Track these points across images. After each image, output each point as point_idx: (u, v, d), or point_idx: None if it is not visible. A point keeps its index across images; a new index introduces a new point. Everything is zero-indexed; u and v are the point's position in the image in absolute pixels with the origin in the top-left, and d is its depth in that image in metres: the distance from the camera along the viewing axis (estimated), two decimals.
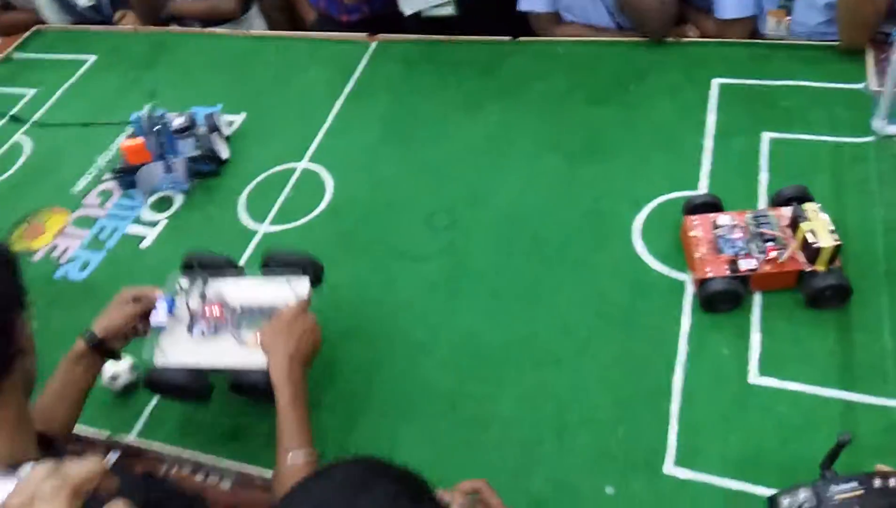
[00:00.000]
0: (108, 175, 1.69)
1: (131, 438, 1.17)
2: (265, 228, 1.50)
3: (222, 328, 1.12)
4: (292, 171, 1.62)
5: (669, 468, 1.00)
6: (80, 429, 1.18)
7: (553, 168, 1.48)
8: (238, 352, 1.09)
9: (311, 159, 1.64)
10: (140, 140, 1.58)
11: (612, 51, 1.74)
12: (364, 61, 1.92)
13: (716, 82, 1.58)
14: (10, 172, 1.81)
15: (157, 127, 1.57)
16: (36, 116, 1.98)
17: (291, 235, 1.47)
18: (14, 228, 1.64)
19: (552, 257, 1.31)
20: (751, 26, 1.67)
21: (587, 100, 1.63)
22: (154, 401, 1.21)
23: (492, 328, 1.22)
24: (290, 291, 1.12)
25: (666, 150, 1.46)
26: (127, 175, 1.63)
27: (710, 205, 1.26)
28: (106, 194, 1.67)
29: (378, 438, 1.11)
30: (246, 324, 1.11)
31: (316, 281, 1.17)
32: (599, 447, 1.03)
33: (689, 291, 1.20)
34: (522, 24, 1.96)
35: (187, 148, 1.63)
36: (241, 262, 1.42)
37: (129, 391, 1.22)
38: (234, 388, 1.10)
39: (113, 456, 1.15)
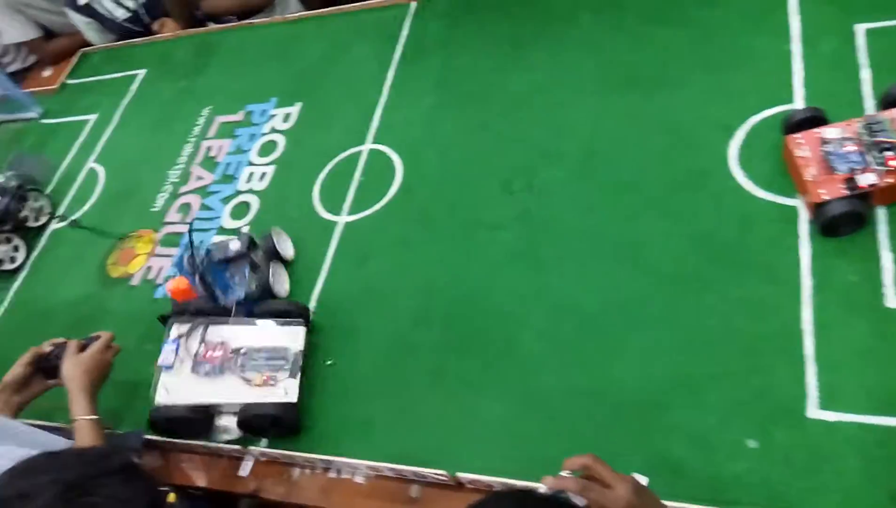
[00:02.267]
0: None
1: (262, 447, 1.20)
2: (344, 218, 1.49)
3: (227, 369, 1.20)
4: (358, 155, 1.59)
5: (813, 412, 0.94)
6: (212, 445, 1.23)
7: (624, 105, 1.39)
8: (244, 390, 1.18)
9: (375, 140, 1.60)
10: (185, 280, 1.31)
11: None
12: (407, 25, 1.84)
13: None
14: (92, 200, 1.85)
15: (200, 270, 1.31)
16: (103, 140, 2.02)
17: (371, 222, 1.45)
18: (107, 256, 1.69)
19: (641, 204, 1.23)
20: None
21: (645, 23, 1.51)
22: None
23: (586, 291, 1.17)
24: (288, 334, 1.23)
25: (747, 64, 1.34)
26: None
27: (813, 119, 1.16)
28: (185, 208, 1.69)
29: (487, 416, 1.10)
30: (251, 366, 1.20)
31: (307, 324, 1.27)
32: (733, 399, 0.98)
33: (804, 217, 1.12)
34: None
35: (240, 284, 1.33)
36: (329, 255, 1.42)
37: (238, 443, 1.25)
38: (242, 424, 1.19)
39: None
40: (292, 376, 1.18)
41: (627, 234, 1.21)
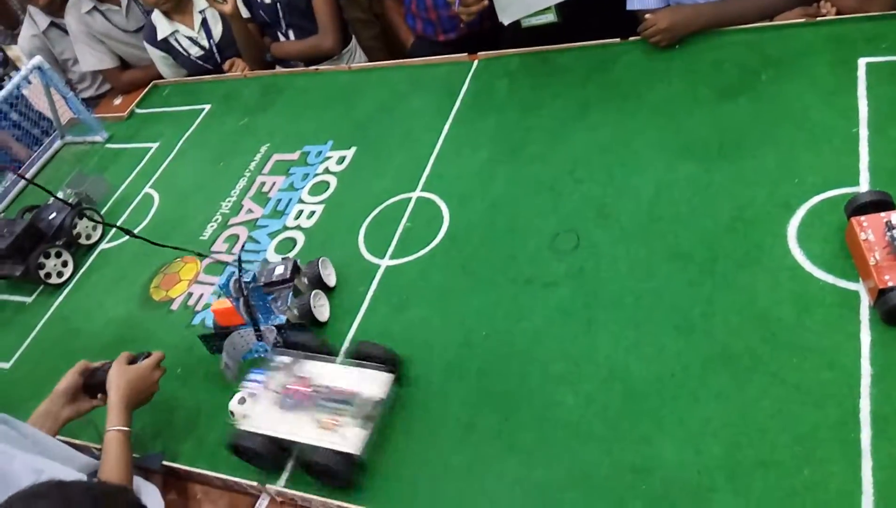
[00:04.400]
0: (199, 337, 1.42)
1: (279, 486, 1.17)
2: (386, 262, 1.48)
3: (304, 405, 1.16)
4: (407, 201, 1.60)
5: None
6: (230, 479, 1.20)
7: (685, 175, 1.37)
8: (312, 431, 1.13)
9: (424, 188, 1.61)
10: (228, 302, 1.31)
11: (735, 39, 1.61)
12: (467, 81, 1.88)
13: (863, 62, 1.42)
14: (144, 223, 1.89)
15: (245, 293, 1.32)
16: (161, 168, 2.08)
17: (413, 267, 1.44)
18: (151, 278, 1.71)
19: (698, 275, 1.20)
20: None
21: (714, 95, 1.51)
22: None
23: (638, 359, 1.12)
24: (374, 381, 1.16)
25: (813, 143, 1.32)
26: (214, 340, 1.38)
27: (879, 203, 1.12)
28: (232, 239, 1.72)
29: (525, 486, 1.04)
30: (327, 407, 1.15)
31: (398, 376, 1.20)
32: (782, 489, 0.92)
33: (865, 302, 1.06)
34: (628, 25, 1.86)
35: (281, 309, 1.35)
36: (368, 296, 1.42)
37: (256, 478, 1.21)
38: (302, 465, 1.14)
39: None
40: (361, 426, 1.11)
41: (683, 303, 1.17)
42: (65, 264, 1.84)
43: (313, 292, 1.38)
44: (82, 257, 1.87)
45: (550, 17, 1.76)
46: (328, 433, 1.11)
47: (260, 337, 1.31)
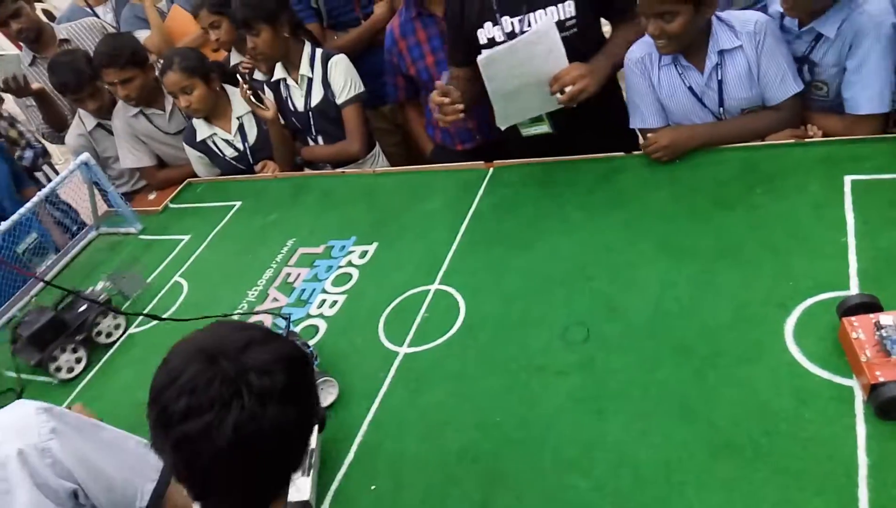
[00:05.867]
0: None
1: None
2: (405, 349, 1.56)
3: None
4: (426, 293, 1.70)
5: None
6: None
7: (687, 275, 1.47)
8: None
9: (442, 281, 1.71)
10: None
11: (731, 156, 1.76)
12: (483, 186, 2.03)
13: (848, 179, 1.55)
14: (173, 309, 1.99)
15: None
16: (191, 259, 2.20)
17: (430, 355, 1.52)
18: None
19: (701, 368, 1.27)
20: (881, 122, 1.64)
21: (713, 205, 1.63)
22: None
23: (647, 447, 1.18)
24: None
25: (806, 250, 1.43)
26: None
27: (868, 305, 1.21)
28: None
29: None
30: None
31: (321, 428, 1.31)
32: None
33: (860, 397, 1.13)
34: (621, 137, 2.03)
35: None
36: (387, 382, 1.48)
37: None
38: None
39: None
40: (305, 473, 1.17)
41: (688, 395, 1.23)
42: (78, 360, 1.88)
43: (323, 379, 1.45)
44: (98, 354, 1.91)
45: (545, 128, 1.94)
46: None
47: None
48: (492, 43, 1.91)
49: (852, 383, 1.16)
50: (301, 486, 1.17)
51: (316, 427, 1.24)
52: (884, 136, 1.64)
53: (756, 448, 1.12)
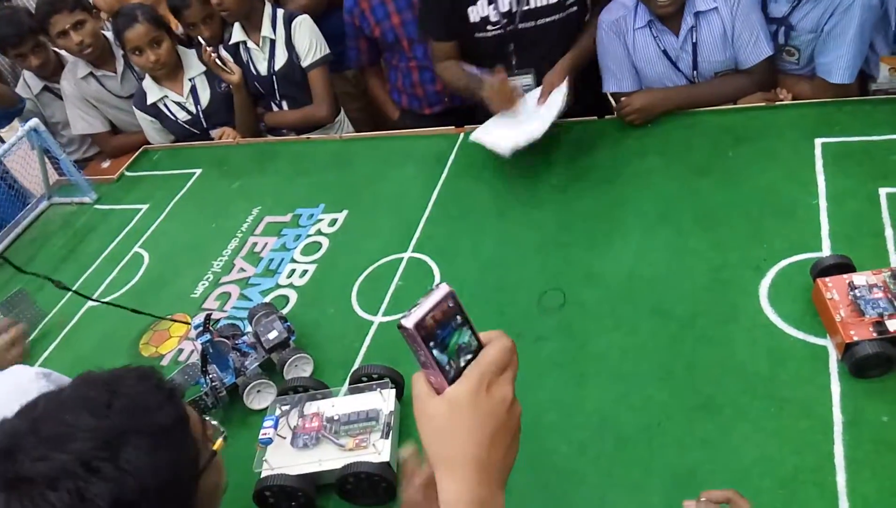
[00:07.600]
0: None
1: None
2: (379, 318, 1.53)
3: (322, 438, 1.22)
4: (399, 261, 1.67)
5: None
6: None
7: (664, 241, 1.47)
8: (339, 455, 1.18)
9: (415, 249, 1.68)
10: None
11: (703, 119, 1.76)
12: (454, 152, 1.99)
13: (818, 142, 1.57)
14: (133, 281, 1.91)
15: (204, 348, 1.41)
16: (151, 228, 2.12)
17: None
18: (141, 334, 1.72)
19: (678, 331, 1.28)
20: (850, 89, 1.65)
21: (686, 169, 1.64)
22: None
23: (626, 410, 1.18)
24: (380, 398, 1.24)
25: (779, 213, 1.44)
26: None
27: (841, 266, 1.22)
28: (224, 297, 1.75)
29: None
30: (344, 431, 1.21)
31: (399, 393, 1.29)
32: None
33: (834, 356, 1.15)
34: (602, 104, 2.01)
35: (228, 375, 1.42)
36: (362, 352, 1.46)
37: None
38: (339, 491, 1.16)
39: None
40: (384, 436, 1.18)
41: (666, 357, 1.24)
42: None
43: (297, 355, 1.44)
44: (71, 311, 1.87)
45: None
46: (355, 452, 1.17)
47: (206, 395, 1.38)
48: (484, 22, 1.84)
49: (826, 342, 1.18)
50: (381, 448, 1.16)
51: (393, 392, 1.25)
52: (853, 98, 1.65)
53: (735, 408, 1.13)
